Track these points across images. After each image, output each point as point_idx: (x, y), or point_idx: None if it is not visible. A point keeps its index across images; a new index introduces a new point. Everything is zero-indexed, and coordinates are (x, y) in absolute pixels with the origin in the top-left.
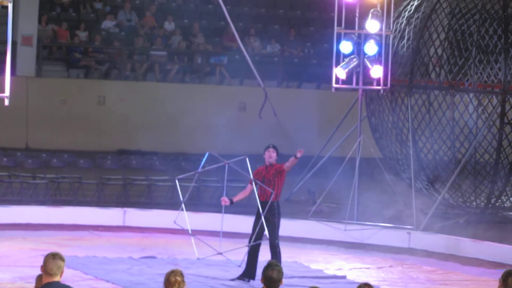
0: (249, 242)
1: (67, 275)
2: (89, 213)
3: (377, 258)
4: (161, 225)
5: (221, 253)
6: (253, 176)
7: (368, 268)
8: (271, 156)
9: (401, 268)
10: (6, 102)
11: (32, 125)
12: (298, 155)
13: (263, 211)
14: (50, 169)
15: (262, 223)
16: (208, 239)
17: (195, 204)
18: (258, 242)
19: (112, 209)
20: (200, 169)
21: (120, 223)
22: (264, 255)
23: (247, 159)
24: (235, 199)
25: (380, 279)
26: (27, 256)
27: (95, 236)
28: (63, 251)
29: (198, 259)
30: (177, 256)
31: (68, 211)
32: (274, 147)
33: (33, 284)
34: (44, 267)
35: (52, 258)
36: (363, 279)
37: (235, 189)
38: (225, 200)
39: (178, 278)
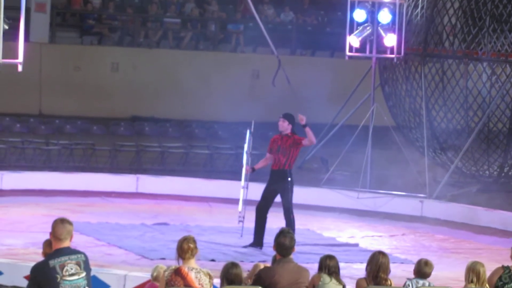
0: (257, 209)
1: (79, 241)
2: (102, 180)
3: (390, 226)
4: (174, 192)
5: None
6: (270, 144)
7: (380, 236)
8: (281, 126)
9: (414, 236)
10: (20, 68)
11: (45, 92)
12: (302, 123)
13: (275, 179)
14: (63, 135)
15: (274, 190)
16: (222, 206)
17: (209, 171)
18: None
19: (125, 175)
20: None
21: (133, 190)
22: (276, 222)
23: (249, 130)
24: (256, 167)
25: (393, 247)
26: (40, 222)
27: (108, 202)
28: (75, 217)
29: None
30: (189, 222)
31: (81, 177)
32: (285, 116)
33: None
34: (53, 233)
35: (61, 223)
36: (375, 247)
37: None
38: (247, 169)
39: (191, 245)
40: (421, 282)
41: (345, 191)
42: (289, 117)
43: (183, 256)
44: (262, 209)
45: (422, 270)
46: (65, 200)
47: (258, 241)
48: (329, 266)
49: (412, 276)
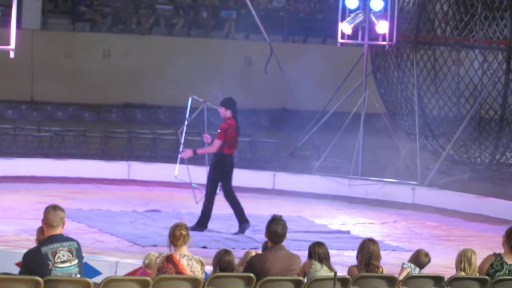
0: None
1: (71, 228)
2: (94, 166)
3: (381, 213)
4: (165, 179)
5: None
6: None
7: (372, 223)
8: (220, 113)
9: (405, 223)
10: (12, 55)
11: (37, 78)
12: (208, 141)
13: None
14: (55, 122)
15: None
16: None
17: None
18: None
19: (116, 162)
20: (188, 116)
21: (125, 177)
22: (268, 209)
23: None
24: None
25: (384, 234)
26: (31, 208)
27: (99, 189)
28: (67, 204)
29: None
30: (181, 209)
31: (72, 164)
32: (221, 103)
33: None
34: (45, 220)
35: (53, 210)
36: (367, 234)
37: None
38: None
39: (183, 232)
40: (417, 270)
41: (336, 178)
42: (225, 102)
43: (175, 243)
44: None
45: (420, 260)
46: (56, 187)
47: (242, 219)
48: (318, 253)
49: (406, 261)
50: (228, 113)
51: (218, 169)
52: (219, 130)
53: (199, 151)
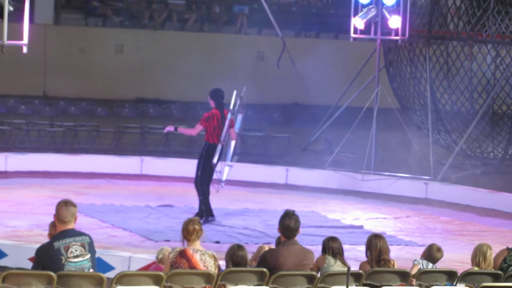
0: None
1: (84, 223)
2: (107, 161)
3: (394, 208)
4: (178, 174)
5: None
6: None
7: (385, 218)
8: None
9: (418, 218)
10: (25, 50)
11: (50, 73)
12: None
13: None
14: (68, 117)
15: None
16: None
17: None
18: None
19: (129, 157)
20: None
21: (138, 172)
22: (280, 204)
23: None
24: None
25: (397, 229)
26: (44, 203)
27: (112, 184)
28: (80, 199)
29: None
30: (194, 204)
31: (85, 159)
32: (209, 94)
33: None
34: (57, 215)
35: (65, 205)
36: (380, 229)
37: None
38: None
39: (196, 227)
40: (430, 265)
41: (349, 173)
42: (211, 94)
43: (188, 238)
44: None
45: (433, 255)
46: (69, 182)
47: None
48: (332, 247)
49: (418, 257)
50: (211, 103)
51: (208, 159)
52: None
53: (180, 129)
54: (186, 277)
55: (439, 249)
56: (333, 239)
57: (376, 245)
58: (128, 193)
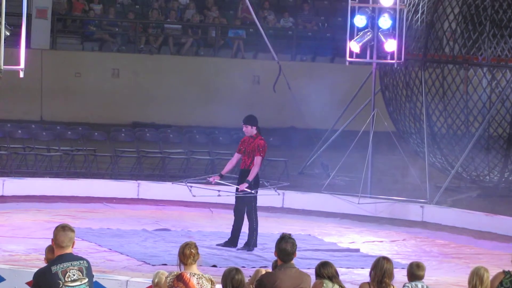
0: (234, 211)
1: (81, 247)
2: (103, 186)
3: (391, 231)
4: (175, 198)
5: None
6: (239, 145)
7: (381, 241)
8: (246, 131)
9: (415, 241)
10: (21, 75)
11: (46, 98)
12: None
13: (241, 179)
14: (65, 141)
15: (242, 191)
16: (223, 212)
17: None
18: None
19: (126, 181)
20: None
21: (134, 196)
22: (277, 228)
23: None
24: (223, 172)
25: (394, 253)
26: (42, 228)
27: (109, 208)
28: (77, 223)
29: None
30: (191, 228)
31: (82, 183)
32: (245, 121)
33: None
34: (55, 240)
35: (62, 230)
36: (376, 252)
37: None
38: (213, 179)
39: (193, 251)
40: (419, 285)
41: (346, 196)
42: (249, 120)
43: (185, 261)
44: (237, 210)
45: (415, 272)
46: (66, 206)
47: (233, 241)
48: (325, 273)
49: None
50: (252, 130)
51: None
52: (259, 147)
53: (250, 178)
54: None
55: (418, 265)
56: (323, 264)
57: (382, 266)
58: (125, 217)
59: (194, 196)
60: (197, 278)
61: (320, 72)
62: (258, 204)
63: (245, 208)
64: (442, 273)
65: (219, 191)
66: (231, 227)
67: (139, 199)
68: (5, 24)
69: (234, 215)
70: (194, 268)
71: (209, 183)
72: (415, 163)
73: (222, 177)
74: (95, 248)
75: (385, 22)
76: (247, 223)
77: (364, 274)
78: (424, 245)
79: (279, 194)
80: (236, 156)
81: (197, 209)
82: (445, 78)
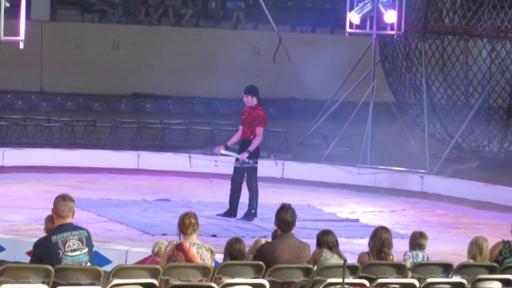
0: (231, 181)
1: (81, 217)
2: (103, 156)
3: (390, 201)
4: (175, 168)
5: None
6: (241, 116)
7: (381, 211)
8: (246, 101)
9: (414, 211)
10: (21, 46)
11: (46, 69)
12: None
13: (241, 149)
14: (65, 112)
15: (241, 161)
16: (223, 182)
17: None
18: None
19: (126, 152)
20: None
21: (134, 166)
22: (277, 198)
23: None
24: (229, 143)
25: (393, 223)
26: (42, 198)
27: (109, 178)
28: (77, 194)
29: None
30: (191, 198)
31: (82, 153)
32: (246, 91)
33: None
34: (55, 210)
35: (63, 200)
36: (376, 222)
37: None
38: (218, 149)
39: (193, 220)
40: (420, 254)
41: (345, 167)
42: (250, 90)
43: (185, 231)
44: (234, 180)
45: (418, 241)
46: (66, 177)
47: (232, 211)
48: (326, 241)
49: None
50: (252, 100)
51: (256, 158)
52: (259, 118)
53: (252, 148)
54: (182, 270)
55: (421, 234)
56: (327, 232)
57: (380, 236)
58: (124, 188)
59: (191, 166)
60: (196, 248)
61: (320, 43)
62: (258, 175)
63: (242, 179)
64: (441, 243)
65: (216, 161)
66: (228, 197)
67: (139, 169)
68: None
69: (231, 185)
70: (194, 238)
71: (214, 154)
72: (415, 134)
73: (227, 148)
74: (95, 218)
75: None
76: (247, 193)
77: (363, 244)
78: (423, 215)
79: (277, 165)
80: (241, 128)
81: (197, 180)
82: (445, 49)
